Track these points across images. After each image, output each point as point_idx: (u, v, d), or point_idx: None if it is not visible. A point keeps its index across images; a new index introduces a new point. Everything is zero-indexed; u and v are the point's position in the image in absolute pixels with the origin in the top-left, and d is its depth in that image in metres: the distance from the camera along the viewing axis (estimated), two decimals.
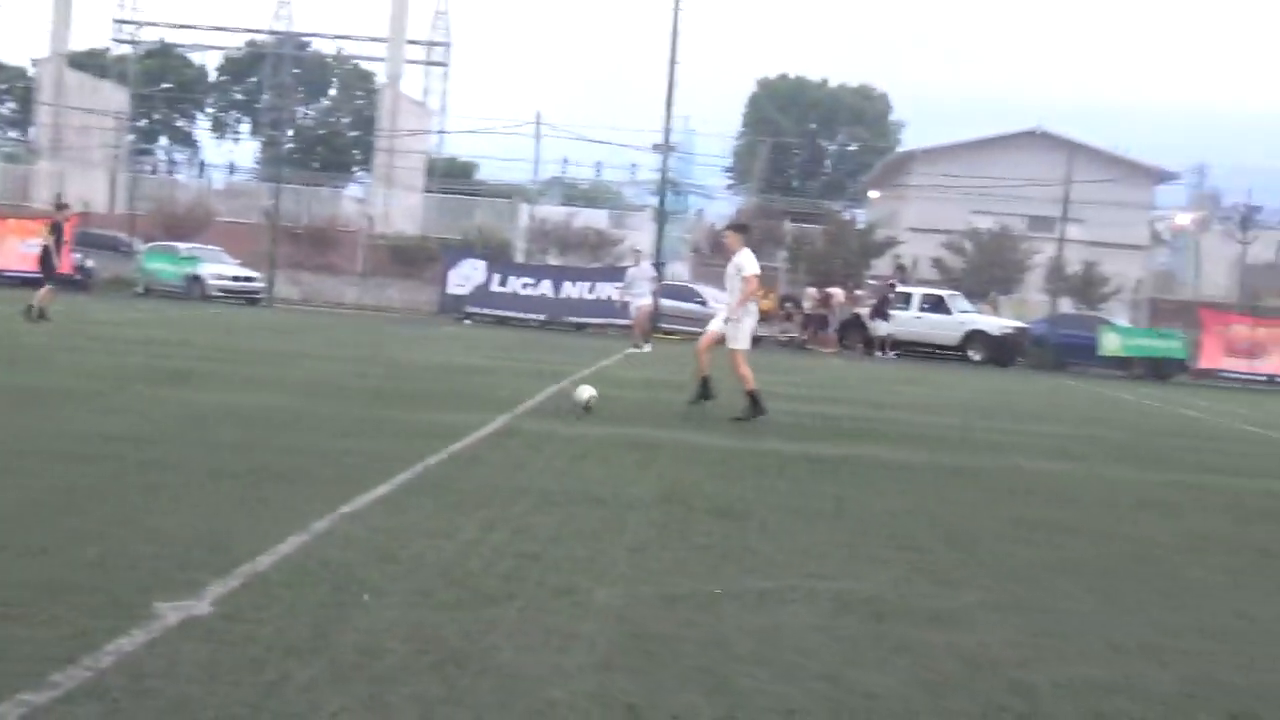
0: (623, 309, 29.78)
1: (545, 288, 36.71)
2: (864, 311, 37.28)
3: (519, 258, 44.93)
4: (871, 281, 41.85)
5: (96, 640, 4.44)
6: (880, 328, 35.84)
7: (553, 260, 43.53)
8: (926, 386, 23.44)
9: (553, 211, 50.39)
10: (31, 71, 73.51)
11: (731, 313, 13.88)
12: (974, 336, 36.34)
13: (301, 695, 4.13)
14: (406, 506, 7.29)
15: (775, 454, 10.99)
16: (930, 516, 8.43)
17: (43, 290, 22.03)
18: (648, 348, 27.31)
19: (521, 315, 36.15)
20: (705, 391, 14.31)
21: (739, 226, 15.02)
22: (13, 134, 79.04)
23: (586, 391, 13.27)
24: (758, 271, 13.79)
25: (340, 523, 6.72)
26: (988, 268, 44.11)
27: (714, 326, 14.38)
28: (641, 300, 28.36)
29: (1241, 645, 5.67)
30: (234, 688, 4.14)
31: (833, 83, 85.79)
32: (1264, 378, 36.85)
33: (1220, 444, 16.49)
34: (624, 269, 33.12)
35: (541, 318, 36.21)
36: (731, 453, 10.93)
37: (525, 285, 36.81)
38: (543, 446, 10.22)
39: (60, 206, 25.17)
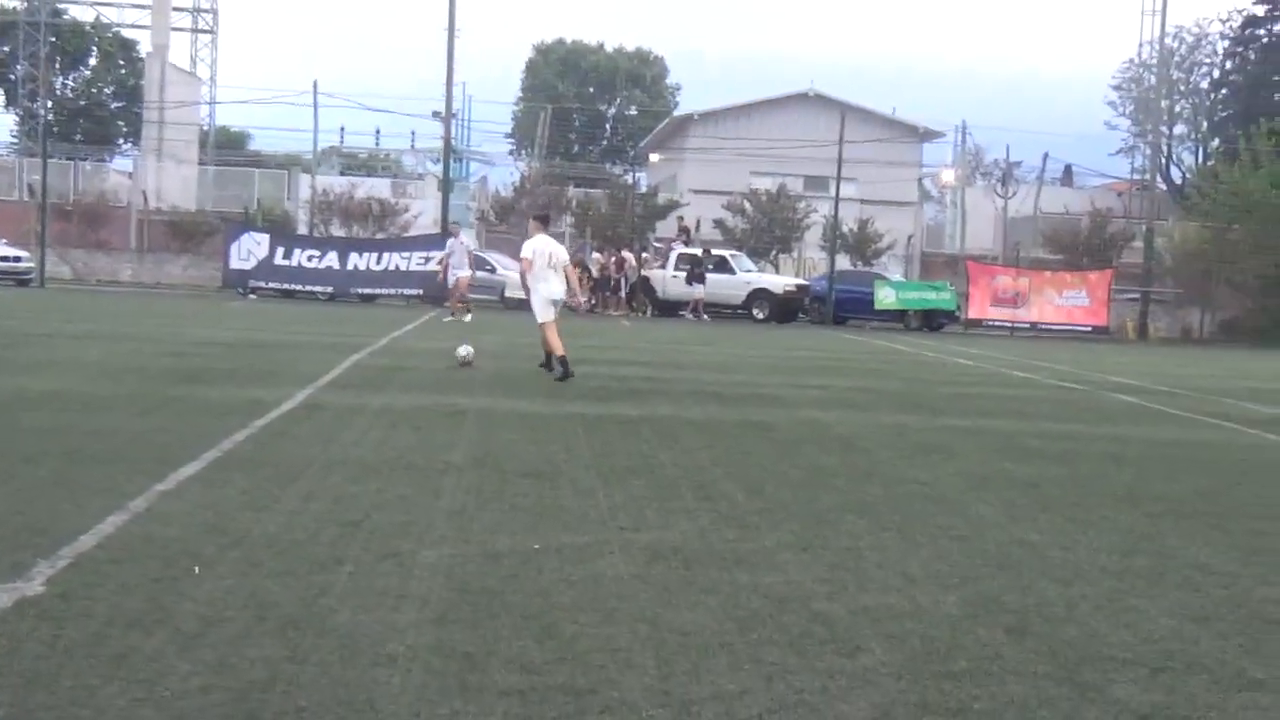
0: (441, 280, 30.09)
1: (331, 260, 36.25)
2: (653, 274, 37.92)
3: (301, 230, 44.18)
4: (657, 244, 42.54)
5: None
6: (696, 291, 36.52)
7: (336, 232, 42.93)
8: (716, 346, 24.12)
9: (334, 182, 49.63)
10: None
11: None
12: (758, 295, 37.36)
13: (150, 664, 4.27)
14: (222, 482, 7.37)
15: (580, 416, 11.33)
16: (730, 469, 8.88)
17: None
18: (468, 317, 27.45)
19: (308, 288, 35.66)
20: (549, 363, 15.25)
21: (540, 216, 16.24)
22: None
23: (464, 349, 15.82)
24: (529, 255, 14.93)
25: (158, 500, 6.78)
26: (768, 228, 45.27)
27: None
28: (461, 272, 28.78)
29: (1019, 571, 6.23)
30: (83, 662, 4.25)
31: (609, 47, 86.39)
32: (1027, 325, 38.93)
33: (991, 389, 17.52)
34: (411, 239, 33.03)
35: (329, 290, 35.79)
36: (537, 416, 11.23)
37: (310, 258, 36.28)
38: (351, 419, 10.34)
39: None
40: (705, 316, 36.21)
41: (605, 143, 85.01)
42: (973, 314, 39.15)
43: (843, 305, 38.38)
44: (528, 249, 15.16)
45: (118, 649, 4.38)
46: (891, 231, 46.65)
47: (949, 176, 58.25)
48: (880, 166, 50.75)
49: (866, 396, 15.23)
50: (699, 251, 38.07)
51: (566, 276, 15.35)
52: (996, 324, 38.89)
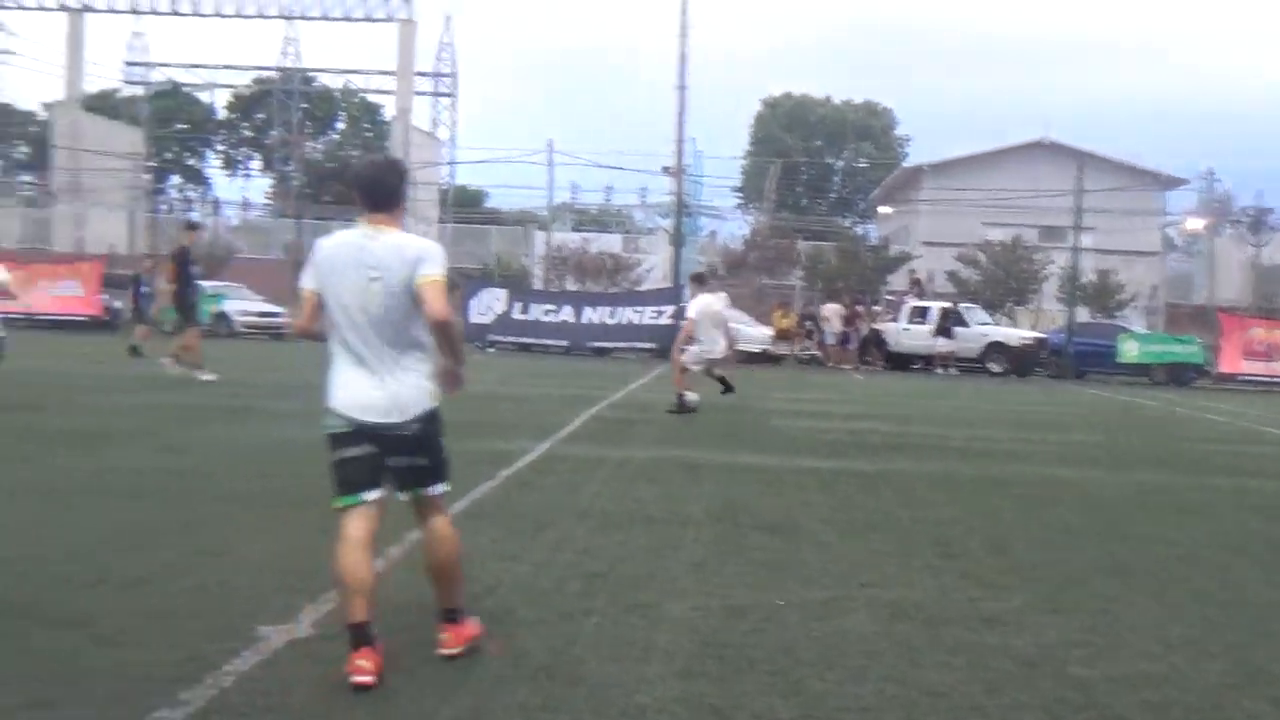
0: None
1: (566, 314, 37.01)
2: (885, 327, 37.54)
3: (536, 284, 45.31)
4: (889, 297, 42.12)
5: (212, 662, 4.77)
6: (942, 345, 36.03)
7: (570, 286, 43.89)
8: (951, 400, 23.70)
9: (568, 238, 50.81)
10: (43, 115, 74.30)
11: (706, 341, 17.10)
12: (994, 348, 36.59)
13: (412, 705, 4.47)
14: (473, 531, 7.58)
15: (816, 471, 11.30)
16: (972, 526, 8.73)
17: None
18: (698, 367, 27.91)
19: (544, 342, 36.48)
20: (726, 387, 17.73)
21: (698, 276, 18.72)
22: (27, 178, 79.75)
23: (691, 396, 16.75)
24: (694, 316, 17.02)
25: (414, 549, 7.01)
26: (1003, 279, 44.38)
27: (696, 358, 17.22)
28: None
29: None
30: (349, 702, 4.47)
31: (836, 99, 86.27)
32: None
33: (1247, 447, 16.74)
34: (643, 293, 33.56)
35: (564, 344, 36.55)
36: (773, 470, 11.24)
37: (547, 312, 37.12)
38: (591, 471, 10.54)
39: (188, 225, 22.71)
40: (953, 370, 35.63)
41: (834, 195, 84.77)
42: (1224, 368, 37.41)
43: (1083, 359, 37.23)
44: (693, 310, 17.08)
45: (382, 691, 4.58)
46: (1133, 282, 45.18)
47: (1196, 224, 56.04)
48: (1120, 215, 49.25)
49: (1113, 453, 14.75)
50: (948, 304, 37.43)
51: (726, 334, 17.39)
52: (1250, 379, 37.09)
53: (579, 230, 58.78)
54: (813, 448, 13.35)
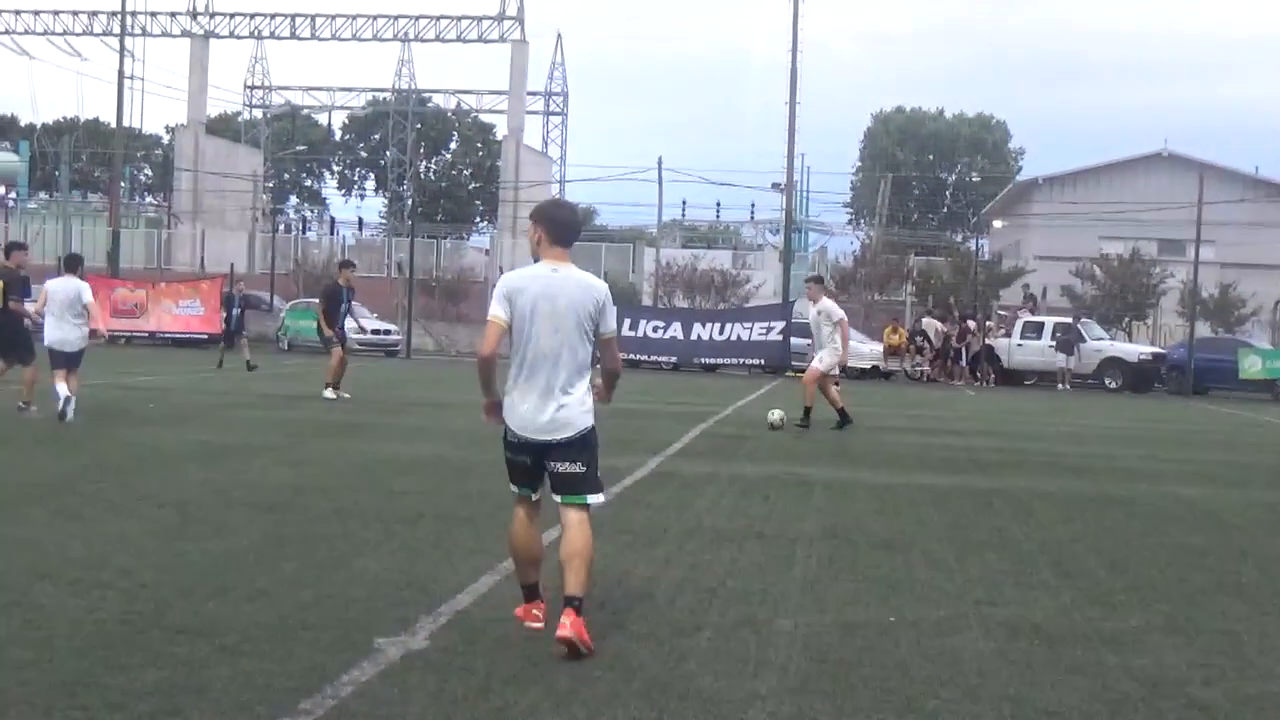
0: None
1: (675, 330, 37.03)
2: (998, 343, 37.03)
3: (645, 301, 45.41)
4: (1002, 312, 41.53)
5: (331, 673, 4.86)
6: (1062, 360, 35.45)
7: (679, 303, 43.93)
8: (1067, 416, 23.30)
9: (677, 254, 50.90)
10: (167, 139, 76.36)
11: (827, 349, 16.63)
12: (1110, 364, 35.90)
13: (527, 717, 4.50)
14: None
15: (930, 487, 11.19)
16: (1089, 544, 8.58)
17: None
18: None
19: (653, 358, 36.56)
20: (844, 418, 16.78)
21: (816, 278, 18.66)
22: (151, 200, 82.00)
23: (776, 413, 16.02)
24: (844, 315, 16.93)
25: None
26: (1120, 294, 43.52)
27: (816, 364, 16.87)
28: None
29: None
30: (466, 713, 4.52)
31: (949, 113, 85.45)
32: None
33: None
34: (753, 309, 33.51)
35: (673, 360, 36.60)
36: (886, 487, 11.16)
37: (655, 329, 37.16)
38: (702, 487, 10.56)
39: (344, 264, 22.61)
40: (1068, 386, 35.02)
41: (946, 210, 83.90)
42: None
43: (1203, 375, 36.33)
44: (839, 311, 16.84)
45: (497, 703, 4.63)
46: (1256, 296, 44.00)
47: None
48: (1243, 228, 48.09)
49: (1235, 471, 14.39)
50: (1069, 319, 36.80)
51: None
52: None
53: (688, 247, 58.86)
54: (926, 464, 13.23)
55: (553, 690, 4.80)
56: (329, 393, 18.79)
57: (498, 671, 4.99)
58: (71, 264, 15.36)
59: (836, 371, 16.99)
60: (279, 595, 6.11)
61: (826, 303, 16.99)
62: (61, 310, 14.46)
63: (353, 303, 20.89)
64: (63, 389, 13.98)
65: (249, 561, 6.84)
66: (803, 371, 34.61)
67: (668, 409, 20.09)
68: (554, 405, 5.54)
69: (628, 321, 37.50)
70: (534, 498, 5.71)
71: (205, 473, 10.36)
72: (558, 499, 5.60)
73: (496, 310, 5.59)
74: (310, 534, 7.72)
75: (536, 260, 5.75)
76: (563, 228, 5.74)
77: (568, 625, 5.23)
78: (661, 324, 37.47)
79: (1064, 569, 7.60)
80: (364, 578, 6.54)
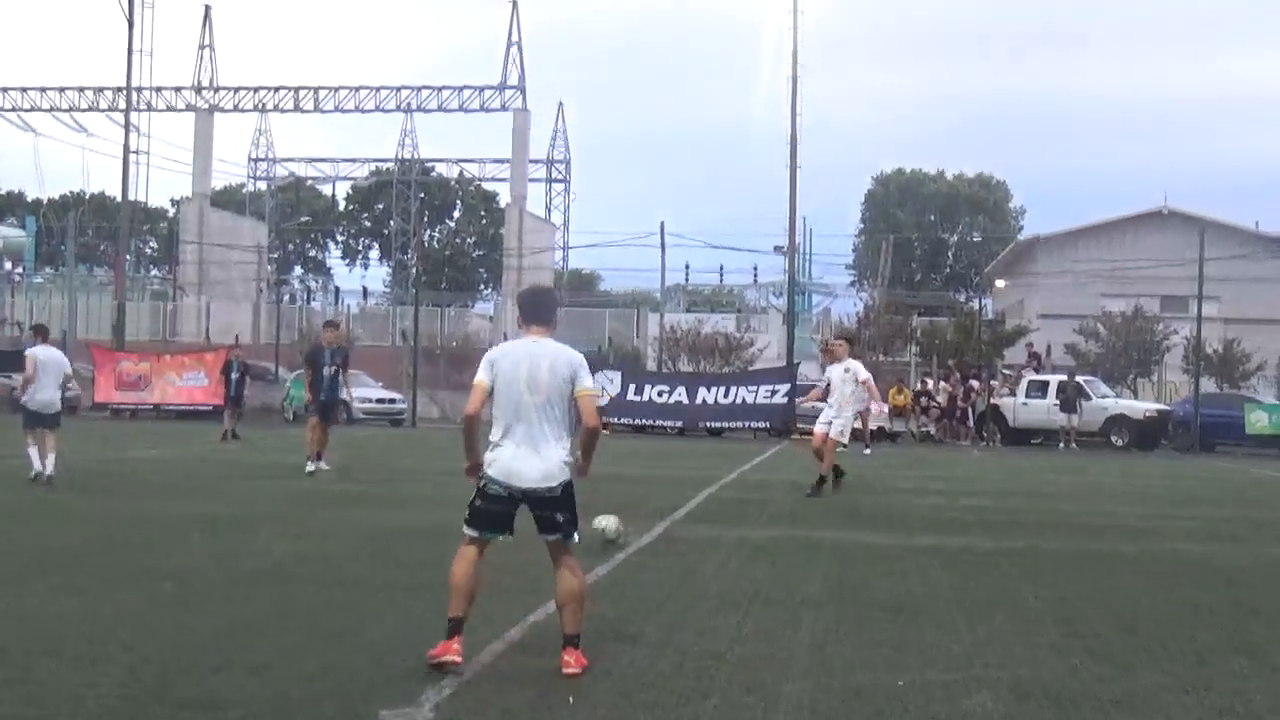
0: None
1: (680, 394, 37.05)
2: (1003, 402, 37.00)
3: (650, 366, 45.46)
4: (1006, 371, 41.52)
5: None
6: (1062, 419, 35.39)
7: (683, 367, 43.97)
8: (1073, 475, 23.23)
9: (680, 319, 51.01)
10: (172, 211, 76.82)
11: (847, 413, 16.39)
12: (1116, 421, 35.84)
13: None
14: (590, 613, 7.61)
15: (936, 549, 11.14)
16: (1098, 603, 8.52)
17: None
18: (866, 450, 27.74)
19: (658, 423, 36.54)
20: (833, 479, 16.39)
21: (848, 337, 18.77)
22: (155, 272, 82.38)
23: (606, 521, 10.47)
24: (869, 375, 16.71)
25: (530, 631, 7.08)
26: (1124, 351, 43.53)
27: (820, 426, 16.48)
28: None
29: None
30: None
31: (949, 174, 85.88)
32: None
33: None
34: (757, 372, 33.62)
35: (679, 424, 36.57)
36: (892, 549, 11.11)
37: (660, 393, 37.20)
38: (708, 552, 10.51)
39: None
40: (1074, 444, 34.93)
41: (948, 270, 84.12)
42: None
43: (1210, 431, 36.23)
44: (864, 371, 16.64)
45: None
46: (1261, 351, 43.99)
47: None
48: (1245, 283, 48.13)
49: (1245, 528, 14.32)
50: (1073, 379, 36.76)
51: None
52: None
53: (692, 311, 59.00)
54: (933, 525, 13.17)
55: None
56: (309, 465, 17.91)
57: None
58: (45, 332, 17.21)
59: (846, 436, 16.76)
60: (283, 668, 6.07)
61: (853, 363, 16.67)
62: (48, 377, 15.77)
63: (344, 367, 19.16)
64: (35, 455, 15.29)
65: (252, 634, 6.81)
66: (810, 434, 34.76)
67: (673, 473, 20.06)
68: (541, 459, 6.17)
69: (632, 387, 37.55)
70: (501, 539, 6.40)
71: (208, 544, 10.32)
72: (548, 538, 6.31)
73: (481, 375, 6.31)
74: (314, 605, 7.68)
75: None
76: (528, 309, 6.52)
77: (573, 663, 6.02)
78: (666, 388, 37.51)
79: (1073, 628, 7.54)
80: (369, 649, 6.51)
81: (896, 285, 65.70)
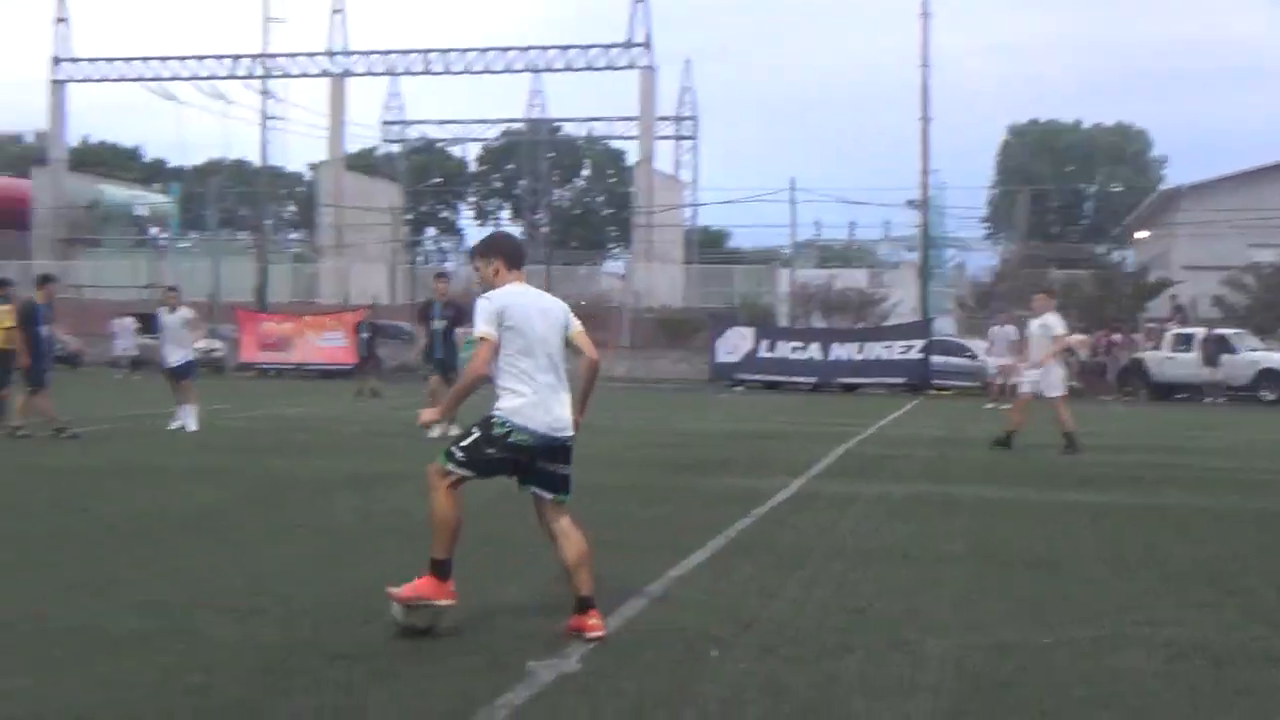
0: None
1: (814, 351, 36.89)
2: (1147, 356, 36.09)
3: (781, 322, 45.26)
4: (1150, 324, 40.49)
5: (484, 696, 4.89)
6: (1207, 372, 34.47)
7: (816, 323, 43.70)
8: (1221, 430, 22.60)
9: (812, 275, 50.65)
10: (309, 176, 78.29)
11: (1041, 364, 15.82)
12: (1266, 375, 34.72)
13: None
14: (729, 569, 7.64)
15: (1081, 505, 10.94)
16: (1250, 561, 8.29)
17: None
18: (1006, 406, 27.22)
19: (792, 379, 36.39)
20: (1007, 441, 16.05)
21: (1049, 290, 17.77)
22: (295, 235, 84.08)
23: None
24: (1065, 331, 15.87)
25: (671, 586, 7.11)
26: (1274, 303, 42.12)
27: (1027, 388, 16.30)
28: (1001, 361, 29.23)
29: None
30: None
31: (1086, 124, 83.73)
32: None
33: None
34: (891, 328, 33.40)
35: (812, 381, 36.38)
36: (1035, 505, 10.93)
37: (794, 349, 37.07)
38: (846, 507, 10.45)
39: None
40: (1221, 399, 33.98)
41: (1086, 222, 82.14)
42: None
43: None
44: (1062, 323, 16.01)
45: None
46: None
47: None
48: None
49: None
50: (1221, 331, 35.71)
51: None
52: None
53: (823, 267, 58.53)
54: (1077, 481, 12.91)
55: (705, 713, 4.78)
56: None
57: (649, 694, 4.98)
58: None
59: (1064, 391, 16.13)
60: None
61: (1051, 317, 15.98)
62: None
63: (456, 322, 17.68)
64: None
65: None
66: (945, 390, 34.30)
67: (808, 430, 19.97)
68: (562, 407, 6.02)
69: (765, 343, 37.43)
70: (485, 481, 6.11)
71: (356, 500, 10.57)
72: (550, 497, 6.05)
73: (489, 329, 5.91)
74: (457, 560, 7.78)
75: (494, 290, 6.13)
76: (515, 255, 6.25)
77: (599, 624, 5.83)
78: (799, 344, 37.36)
79: (1225, 587, 7.35)
80: (511, 602, 6.61)
81: (1033, 238, 64.36)
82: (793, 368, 36.71)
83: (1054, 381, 15.91)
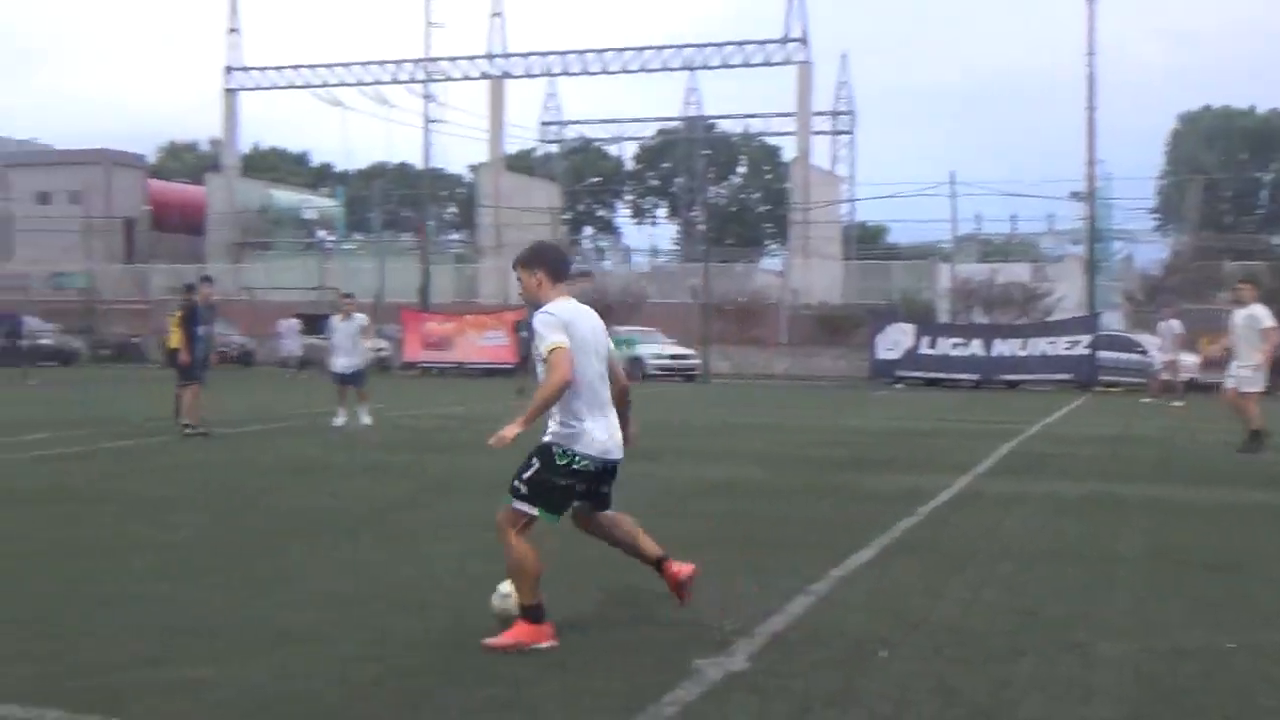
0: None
1: (976, 347, 36.24)
2: None
3: (942, 318, 44.55)
4: None
5: (653, 693, 4.92)
6: None
7: (977, 318, 42.90)
8: None
9: (973, 269, 49.77)
10: (469, 177, 79.63)
11: (1260, 365, 15.08)
12: None
13: None
14: (893, 568, 7.57)
15: (1261, 505, 10.58)
16: None
17: None
18: (1177, 403, 26.51)
19: (953, 376, 35.82)
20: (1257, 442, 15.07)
21: (1251, 279, 17.02)
22: (456, 236, 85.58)
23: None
24: (1274, 323, 14.96)
25: (836, 585, 7.07)
26: None
27: (1229, 382, 15.45)
28: (1166, 356, 28.82)
29: None
30: None
31: (1262, 109, 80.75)
32: None
33: None
34: (1057, 323, 32.65)
35: (974, 378, 35.77)
36: (1213, 505, 10.60)
37: (955, 346, 36.47)
38: (1012, 506, 10.27)
39: None
40: None
41: (1262, 211, 79.23)
42: None
43: None
44: (1270, 316, 15.08)
45: None
46: None
47: None
48: None
49: None
50: None
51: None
52: None
53: (984, 261, 57.46)
54: (1255, 481, 12.46)
55: (874, 714, 4.74)
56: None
57: (817, 693, 4.96)
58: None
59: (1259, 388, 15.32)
60: (596, 616, 6.28)
61: (1258, 308, 15.21)
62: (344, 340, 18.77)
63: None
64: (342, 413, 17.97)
65: (566, 584, 7.02)
66: (1114, 387, 33.37)
67: (970, 427, 19.66)
68: (616, 427, 5.93)
69: (926, 339, 36.91)
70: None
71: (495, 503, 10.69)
72: (596, 514, 6.11)
73: (563, 339, 5.66)
74: (623, 558, 7.85)
75: (536, 305, 5.93)
76: (563, 267, 6.06)
77: (680, 570, 6.10)
78: (961, 341, 36.76)
79: None
80: (673, 603, 6.61)
81: (1205, 229, 62.33)
82: (954, 364, 36.13)
83: (1250, 374, 15.18)
